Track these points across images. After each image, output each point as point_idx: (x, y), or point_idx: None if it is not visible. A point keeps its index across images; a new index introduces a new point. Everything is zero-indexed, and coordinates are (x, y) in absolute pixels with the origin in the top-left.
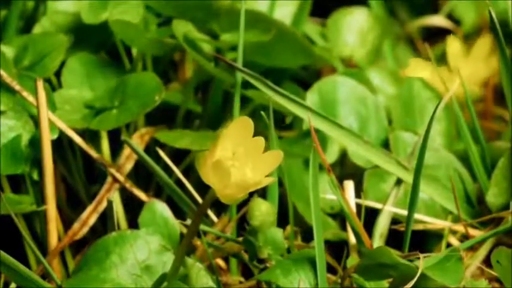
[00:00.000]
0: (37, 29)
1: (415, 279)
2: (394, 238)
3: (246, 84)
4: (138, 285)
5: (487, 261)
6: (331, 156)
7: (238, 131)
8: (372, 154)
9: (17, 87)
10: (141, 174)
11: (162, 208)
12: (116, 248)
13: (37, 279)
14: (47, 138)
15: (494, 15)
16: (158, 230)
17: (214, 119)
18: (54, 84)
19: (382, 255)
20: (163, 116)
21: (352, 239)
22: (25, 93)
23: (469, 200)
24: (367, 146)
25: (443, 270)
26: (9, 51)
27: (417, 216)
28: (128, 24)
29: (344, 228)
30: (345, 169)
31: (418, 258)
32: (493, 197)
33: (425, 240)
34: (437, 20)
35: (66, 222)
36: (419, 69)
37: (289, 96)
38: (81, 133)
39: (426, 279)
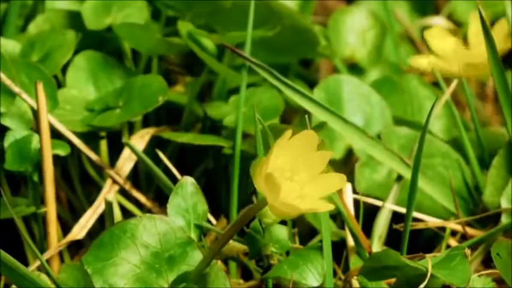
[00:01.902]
0: (32, 28)
1: (426, 281)
2: (392, 236)
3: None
4: (159, 280)
5: (485, 262)
6: (337, 153)
7: (300, 143)
8: (375, 150)
9: (16, 89)
10: (141, 176)
11: (192, 190)
12: (144, 233)
13: (37, 280)
14: (47, 140)
15: (483, 14)
16: (187, 217)
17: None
18: (60, 81)
19: (388, 258)
20: (166, 119)
21: (351, 241)
22: (24, 96)
23: (469, 193)
24: (371, 142)
25: (449, 269)
26: (15, 47)
27: (416, 214)
28: (134, 26)
29: (342, 227)
30: (351, 167)
31: (420, 258)
32: (490, 196)
33: (423, 240)
34: (438, 21)
35: (64, 224)
36: (440, 37)
37: (298, 90)
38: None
39: (430, 279)
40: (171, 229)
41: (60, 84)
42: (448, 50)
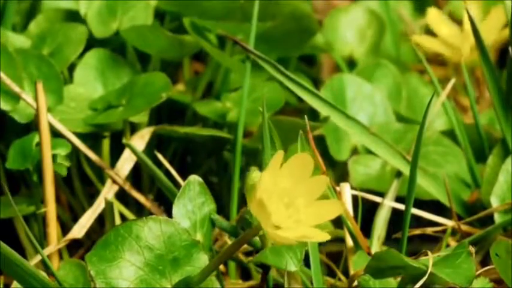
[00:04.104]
0: (33, 27)
1: (424, 278)
2: (391, 232)
3: None
4: (162, 280)
5: (483, 262)
6: (343, 153)
7: (296, 166)
8: (376, 145)
9: (17, 89)
10: (143, 177)
11: (199, 190)
12: (149, 235)
13: (37, 273)
14: (47, 140)
15: (472, 15)
16: (192, 218)
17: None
18: (66, 78)
19: (391, 258)
20: (167, 120)
21: (350, 241)
22: (25, 96)
23: (463, 181)
24: (373, 137)
25: (453, 268)
26: (24, 43)
27: (414, 211)
28: (142, 28)
29: (341, 227)
30: None
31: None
32: (487, 194)
33: (422, 238)
34: None
35: (64, 224)
36: (439, 22)
37: (301, 84)
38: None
39: (436, 276)
40: (176, 231)
41: (65, 81)
42: (450, 34)
